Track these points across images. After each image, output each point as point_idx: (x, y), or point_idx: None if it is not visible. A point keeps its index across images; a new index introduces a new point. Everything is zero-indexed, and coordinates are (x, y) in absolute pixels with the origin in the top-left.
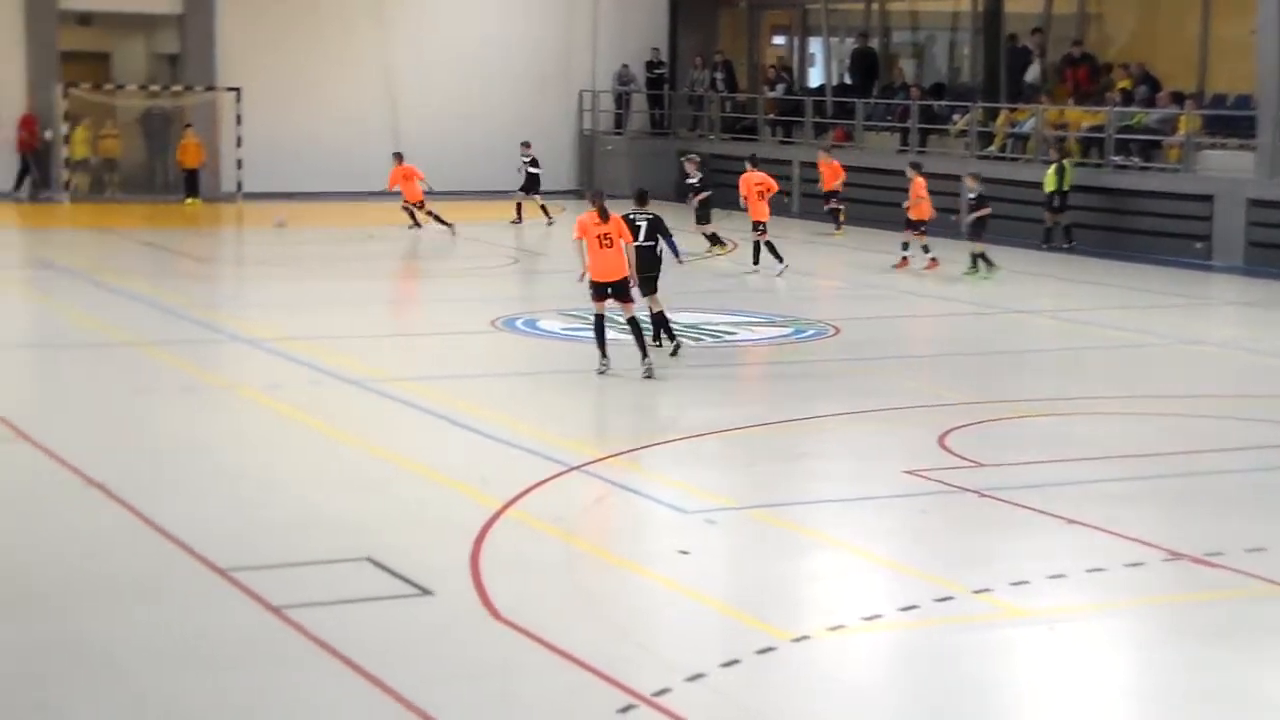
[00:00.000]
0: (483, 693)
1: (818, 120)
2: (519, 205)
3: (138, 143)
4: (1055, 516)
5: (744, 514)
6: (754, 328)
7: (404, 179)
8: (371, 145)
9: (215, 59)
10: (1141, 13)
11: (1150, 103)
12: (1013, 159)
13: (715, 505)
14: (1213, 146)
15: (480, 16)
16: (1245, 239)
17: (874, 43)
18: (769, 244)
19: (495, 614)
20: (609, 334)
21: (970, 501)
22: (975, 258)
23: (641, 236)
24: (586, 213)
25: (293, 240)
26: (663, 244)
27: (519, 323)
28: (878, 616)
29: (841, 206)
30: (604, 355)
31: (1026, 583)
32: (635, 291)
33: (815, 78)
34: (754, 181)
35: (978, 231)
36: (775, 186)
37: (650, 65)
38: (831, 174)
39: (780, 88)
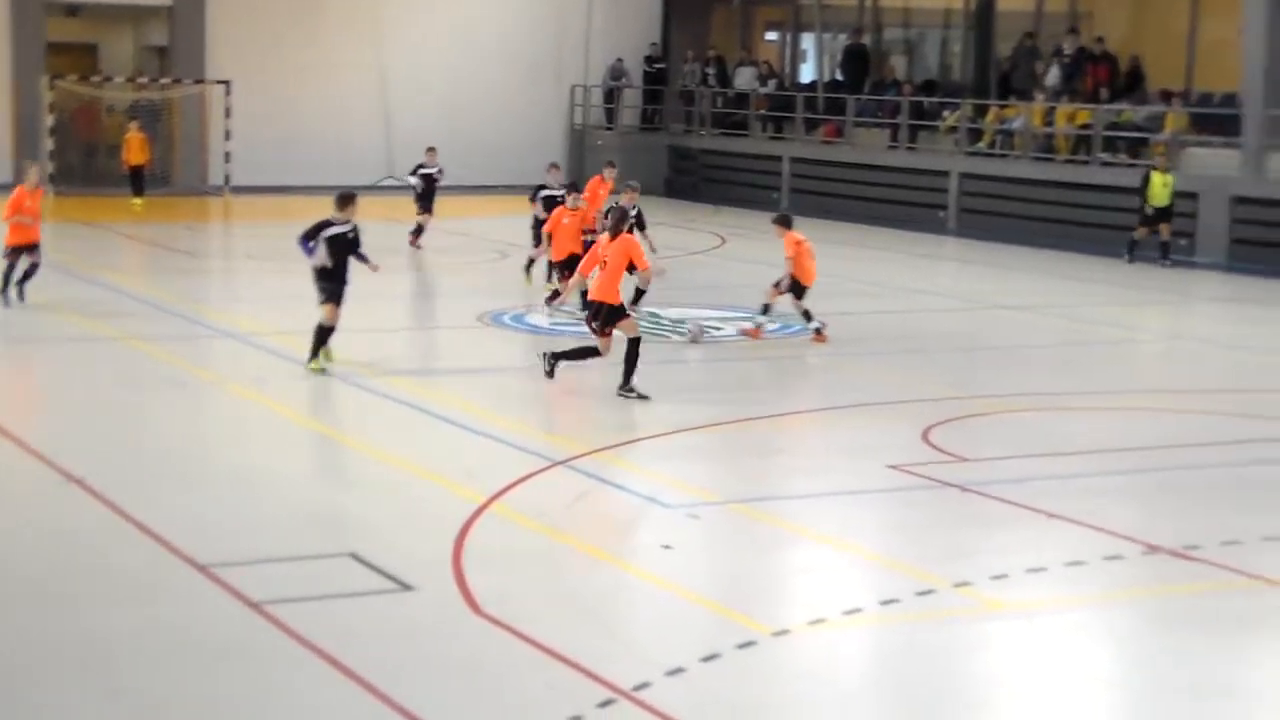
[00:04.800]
0: (462, 688)
1: (808, 116)
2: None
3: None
4: (1036, 511)
5: (726, 509)
6: (739, 323)
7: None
8: (360, 138)
9: (205, 52)
10: (1132, 11)
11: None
12: (1001, 155)
13: (698, 500)
14: (1199, 144)
15: (472, 7)
16: (1229, 236)
17: (866, 39)
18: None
19: (476, 609)
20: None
21: (953, 496)
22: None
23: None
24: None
25: (277, 235)
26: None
27: (506, 318)
28: (858, 610)
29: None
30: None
31: (1006, 576)
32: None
33: (807, 74)
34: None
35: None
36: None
37: (649, 60)
38: (595, 199)
39: (772, 83)
